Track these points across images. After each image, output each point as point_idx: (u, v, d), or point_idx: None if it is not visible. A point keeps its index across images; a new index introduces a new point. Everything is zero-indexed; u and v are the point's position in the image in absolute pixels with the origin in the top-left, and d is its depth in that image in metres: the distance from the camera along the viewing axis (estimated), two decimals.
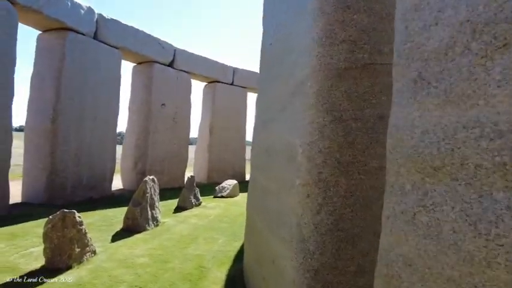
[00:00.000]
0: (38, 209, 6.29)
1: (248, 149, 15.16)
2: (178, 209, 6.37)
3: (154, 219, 5.12)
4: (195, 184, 6.77)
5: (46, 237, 3.27)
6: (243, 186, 9.24)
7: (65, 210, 3.37)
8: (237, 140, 12.12)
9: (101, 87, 7.72)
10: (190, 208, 6.42)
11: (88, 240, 3.58)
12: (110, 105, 8.01)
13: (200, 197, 6.94)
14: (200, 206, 6.72)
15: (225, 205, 6.93)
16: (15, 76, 5.88)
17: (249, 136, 14.07)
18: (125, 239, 4.43)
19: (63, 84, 6.77)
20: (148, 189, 5.07)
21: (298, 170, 1.75)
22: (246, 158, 13.01)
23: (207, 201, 7.27)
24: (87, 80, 7.35)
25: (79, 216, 3.45)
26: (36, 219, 5.44)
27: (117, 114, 8.31)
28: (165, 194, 8.47)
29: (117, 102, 8.29)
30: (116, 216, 5.67)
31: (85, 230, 3.53)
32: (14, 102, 5.85)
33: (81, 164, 7.28)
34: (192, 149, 12.83)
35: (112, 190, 8.76)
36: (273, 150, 2.41)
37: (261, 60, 3.59)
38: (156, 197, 5.34)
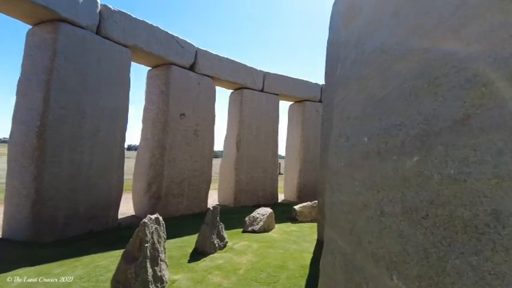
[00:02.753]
0: (16, 251, 4.80)
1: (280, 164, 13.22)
2: (196, 255, 4.66)
3: (158, 280, 3.42)
4: (218, 218, 5.06)
5: None
6: (277, 211, 7.47)
7: None
8: (268, 156, 10.38)
9: (105, 94, 6.27)
10: (212, 253, 4.69)
11: None
12: (116, 116, 6.53)
13: (225, 235, 5.22)
14: (225, 249, 4.98)
15: (258, 246, 5.15)
16: None
17: (281, 150, 12.34)
18: None
19: (53, 89, 5.35)
20: (149, 235, 3.40)
21: None
22: (279, 175, 11.23)
23: (235, 239, 5.53)
24: (87, 85, 5.92)
25: None
26: (5, 272, 3.91)
27: (125, 126, 6.82)
28: (183, 223, 6.84)
29: (126, 112, 6.81)
30: (109, 267, 4.04)
31: None
32: None
33: (78, 189, 5.79)
34: (216, 162, 11.22)
35: (120, 218, 7.24)
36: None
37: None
38: (162, 246, 3.66)
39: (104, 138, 6.28)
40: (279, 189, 11.09)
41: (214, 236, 4.85)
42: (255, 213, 6.28)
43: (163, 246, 3.72)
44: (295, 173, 11.31)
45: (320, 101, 11.77)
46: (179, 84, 7.94)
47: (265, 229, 6.11)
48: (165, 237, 3.81)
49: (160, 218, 3.73)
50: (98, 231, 6.16)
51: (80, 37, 5.75)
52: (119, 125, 6.61)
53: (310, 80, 11.65)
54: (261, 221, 6.09)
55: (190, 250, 4.88)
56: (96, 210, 6.14)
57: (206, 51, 8.65)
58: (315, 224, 7.05)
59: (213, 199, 10.42)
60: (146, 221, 3.43)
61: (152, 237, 3.48)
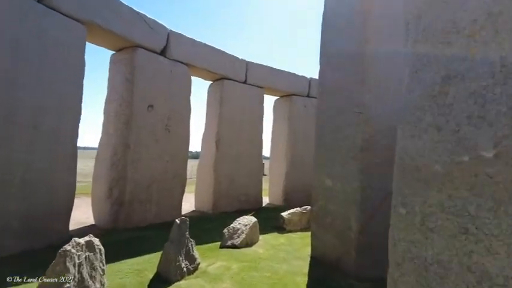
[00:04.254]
0: None
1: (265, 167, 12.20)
2: (158, 283, 3.53)
3: None
4: (188, 233, 3.94)
5: None
6: (261, 218, 6.43)
7: None
8: (252, 155, 9.31)
9: (49, 79, 5.06)
10: (177, 280, 3.58)
11: None
12: (65, 107, 5.32)
13: (197, 254, 4.11)
14: (196, 274, 3.87)
15: (239, 268, 4.06)
16: None
17: (266, 151, 11.35)
18: None
19: None
20: (73, 270, 2.26)
21: None
22: (263, 177, 10.20)
23: (210, 258, 4.42)
24: (24, 66, 4.69)
25: None
26: None
27: (78, 120, 5.60)
28: (149, 236, 5.67)
29: (78, 103, 5.59)
30: None
31: None
32: None
33: (10, 197, 4.55)
34: (193, 163, 10.04)
35: (75, 229, 6.03)
36: None
37: None
38: (97, 282, 2.53)
39: (48, 134, 5.06)
40: (263, 192, 10.04)
41: (181, 258, 3.74)
42: (235, 224, 5.19)
43: (101, 282, 2.58)
44: (281, 175, 10.28)
45: (308, 96, 10.81)
46: (147, 71, 6.77)
47: (248, 243, 5.04)
48: (104, 267, 2.67)
49: (96, 241, 2.59)
50: (40, 249, 4.93)
51: (12, 4, 4.52)
52: (69, 118, 5.40)
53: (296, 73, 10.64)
54: (242, 233, 5.01)
55: (151, 275, 3.76)
56: (36, 222, 4.90)
57: (180, 34, 7.51)
58: (307, 234, 6.02)
59: (189, 204, 9.26)
60: (69, 247, 2.29)
61: (80, 272, 2.34)
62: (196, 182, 8.97)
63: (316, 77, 11.08)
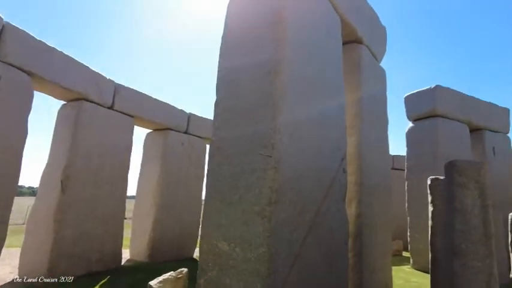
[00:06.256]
0: None
1: (129, 209, 10.13)
2: None
3: None
4: None
5: None
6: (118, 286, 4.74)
7: None
8: (112, 199, 7.36)
9: None
10: None
11: None
12: None
13: None
14: None
15: None
16: None
17: (131, 190, 9.56)
18: None
19: None
20: None
21: None
22: (125, 224, 8.28)
23: None
24: None
25: None
26: None
27: None
28: None
29: None
30: None
31: None
32: None
33: None
34: (21, 201, 7.30)
35: None
36: None
37: None
38: None
39: None
40: (124, 242, 8.00)
41: None
42: None
43: None
44: (148, 222, 8.52)
45: (186, 132, 9.68)
46: None
47: None
48: None
49: None
50: None
51: None
52: None
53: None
54: None
55: None
56: None
57: (17, 29, 5.47)
58: None
59: (10, 268, 6.53)
60: None
61: None
62: (26, 236, 6.41)
63: (197, 113, 10.19)
